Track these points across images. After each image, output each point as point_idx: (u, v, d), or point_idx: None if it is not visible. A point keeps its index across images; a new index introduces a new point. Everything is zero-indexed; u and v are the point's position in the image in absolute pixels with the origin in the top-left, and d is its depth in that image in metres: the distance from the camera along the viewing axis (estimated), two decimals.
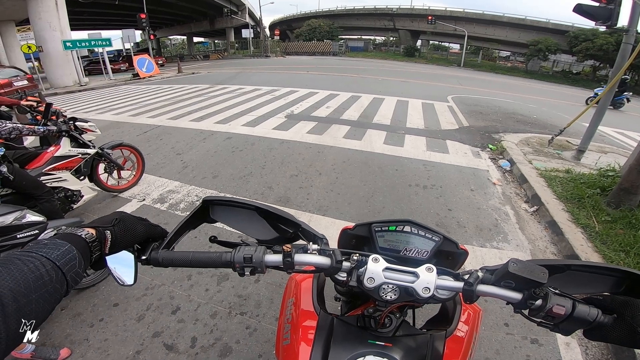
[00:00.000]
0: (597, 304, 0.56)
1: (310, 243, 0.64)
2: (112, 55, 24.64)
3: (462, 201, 3.55)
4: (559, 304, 0.53)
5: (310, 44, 39.65)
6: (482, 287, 0.58)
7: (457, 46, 39.80)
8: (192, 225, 0.70)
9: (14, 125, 2.24)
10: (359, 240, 0.79)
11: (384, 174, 4.19)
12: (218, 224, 0.76)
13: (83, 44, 14.81)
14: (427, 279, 0.58)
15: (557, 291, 0.56)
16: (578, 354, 1.85)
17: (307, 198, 3.51)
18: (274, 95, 9.58)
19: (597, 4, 4.26)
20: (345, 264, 0.61)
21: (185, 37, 52.59)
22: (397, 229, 0.73)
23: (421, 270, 0.59)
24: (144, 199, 3.45)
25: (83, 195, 2.97)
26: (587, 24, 21.87)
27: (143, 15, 18.71)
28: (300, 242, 0.67)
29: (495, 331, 1.94)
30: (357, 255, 0.61)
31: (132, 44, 19.79)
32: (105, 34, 16.76)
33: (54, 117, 2.84)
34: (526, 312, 0.58)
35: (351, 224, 0.80)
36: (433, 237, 0.72)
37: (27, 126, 2.37)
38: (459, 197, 3.63)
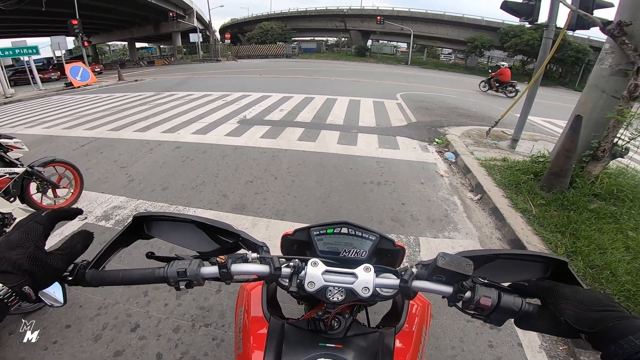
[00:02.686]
0: (524, 291, 0.57)
1: (250, 252, 0.63)
2: (41, 64, 22.36)
3: (414, 195, 3.72)
4: (486, 295, 0.54)
5: (262, 46, 39.17)
6: (416, 283, 0.59)
7: (404, 45, 41.63)
8: (125, 242, 0.67)
9: None
10: (300, 245, 0.79)
11: (339, 173, 4.26)
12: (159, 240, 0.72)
13: (6, 53, 13.32)
14: (366, 279, 0.59)
15: (485, 281, 0.57)
16: (534, 335, 1.95)
17: (264, 203, 3.45)
18: (226, 100, 9.33)
19: (520, 1, 4.63)
20: (286, 270, 0.61)
21: (126, 43, 49.23)
22: (334, 231, 0.74)
23: (359, 270, 0.60)
24: (85, 217, 3.17)
25: (15, 218, 2.66)
26: (515, 20, 23.97)
27: (75, 22, 17.20)
28: (243, 251, 0.66)
29: (457, 320, 2.02)
30: (296, 260, 0.61)
31: (63, 52, 18.06)
32: (32, 41, 15.21)
33: None
34: (460, 305, 0.59)
35: (291, 231, 0.79)
36: (370, 237, 0.74)
37: None
38: (410, 191, 3.80)
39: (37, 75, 14.23)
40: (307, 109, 8.19)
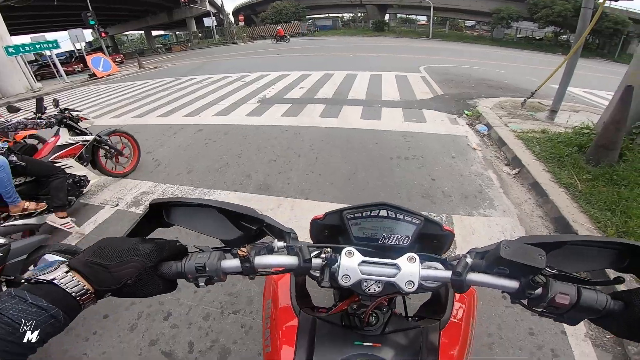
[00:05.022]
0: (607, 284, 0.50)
1: (276, 240, 0.55)
2: (63, 57, 23.06)
3: (445, 169, 3.53)
4: (562, 292, 0.46)
5: (277, 26, 38.41)
6: (472, 276, 0.50)
7: (424, 18, 39.63)
8: (143, 233, 0.60)
9: (20, 120, 2.54)
10: (332, 230, 0.70)
11: (363, 149, 4.11)
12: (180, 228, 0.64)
13: (27, 48, 13.49)
14: (410, 271, 0.50)
15: (555, 272, 0.49)
16: (581, 325, 1.78)
17: (288, 183, 3.38)
18: (244, 81, 9.24)
19: None
20: (316, 261, 0.53)
21: (142, 32, 49.71)
22: (371, 214, 0.64)
23: (402, 261, 0.51)
24: (117, 204, 3.22)
25: (89, 180, 3.08)
26: None
27: (89, 14, 17.40)
28: (268, 238, 0.59)
29: (494, 305, 1.88)
30: (328, 250, 0.53)
31: (83, 44, 18.41)
32: (50, 35, 15.23)
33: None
34: (525, 302, 0.50)
35: (321, 214, 0.69)
36: (413, 220, 0.63)
37: (30, 120, 2.64)
38: (441, 166, 3.60)
39: (61, 69, 14.61)
40: (327, 85, 7.98)
